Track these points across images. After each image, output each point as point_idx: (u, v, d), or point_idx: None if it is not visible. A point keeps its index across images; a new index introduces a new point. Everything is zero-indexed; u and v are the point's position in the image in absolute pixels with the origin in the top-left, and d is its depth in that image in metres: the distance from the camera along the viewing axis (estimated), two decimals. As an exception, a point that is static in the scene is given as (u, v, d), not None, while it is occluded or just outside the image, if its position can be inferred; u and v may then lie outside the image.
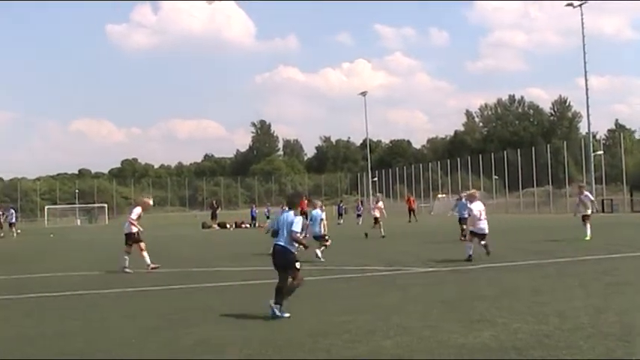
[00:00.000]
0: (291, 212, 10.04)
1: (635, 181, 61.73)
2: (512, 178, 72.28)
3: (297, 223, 9.76)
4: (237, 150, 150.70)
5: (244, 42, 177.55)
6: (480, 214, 18.02)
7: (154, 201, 21.72)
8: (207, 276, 16.16)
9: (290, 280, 9.82)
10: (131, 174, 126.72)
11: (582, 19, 58.04)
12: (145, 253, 17.56)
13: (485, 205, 19.31)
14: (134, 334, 8.81)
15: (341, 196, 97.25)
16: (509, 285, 12.53)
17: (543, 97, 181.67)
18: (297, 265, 9.85)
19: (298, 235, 9.83)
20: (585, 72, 58.55)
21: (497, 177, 76.19)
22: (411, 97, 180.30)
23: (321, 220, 20.45)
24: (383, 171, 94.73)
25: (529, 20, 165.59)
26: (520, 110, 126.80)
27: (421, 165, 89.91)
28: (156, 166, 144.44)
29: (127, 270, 16.98)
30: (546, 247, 20.44)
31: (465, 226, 23.22)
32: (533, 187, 68.19)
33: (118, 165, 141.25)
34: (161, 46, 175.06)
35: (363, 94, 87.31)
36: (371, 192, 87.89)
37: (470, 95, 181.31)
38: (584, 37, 58.24)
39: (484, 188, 78.64)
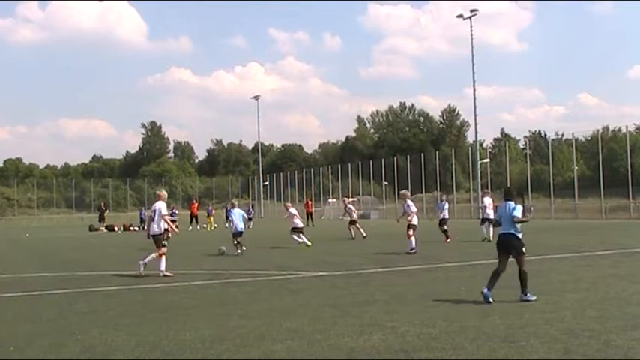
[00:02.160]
0: (512, 202, 11.15)
1: (517, 188, 63.79)
2: (401, 184, 73.53)
3: (518, 210, 11.04)
4: (127, 151, 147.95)
5: (136, 42, 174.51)
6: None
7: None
8: (93, 280, 15.80)
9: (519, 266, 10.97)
10: (14, 174, 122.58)
11: (472, 31, 59.70)
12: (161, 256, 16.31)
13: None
14: (14, 341, 8.48)
15: (231, 200, 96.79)
16: (399, 289, 12.72)
17: (433, 105, 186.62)
18: (524, 249, 11.12)
19: (519, 218, 11.04)
20: (474, 81, 60.14)
21: (387, 183, 77.41)
22: (304, 101, 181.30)
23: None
24: (274, 175, 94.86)
25: (420, 28, 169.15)
26: (411, 117, 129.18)
27: (312, 169, 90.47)
28: (41, 167, 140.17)
29: (167, 273, 15.91)
30: (435, 252, 20.87)
31: (445, 227, 26.06)
32: (422, 193, 69.58)
33: (0, 165, 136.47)
34: (49, 42, 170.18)
35: (256, 97, 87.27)
36: (262, 196, 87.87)
37: (362, 101, 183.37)
38: (473, 48, 59.87)
39: (374, 194, 79.82)
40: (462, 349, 7.24)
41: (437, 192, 70.18)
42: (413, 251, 20.58)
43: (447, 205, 27.46)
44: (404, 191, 24.12)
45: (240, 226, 22.70)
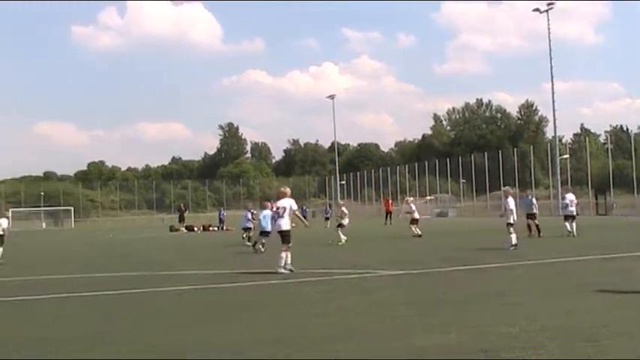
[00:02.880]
0: None
1: (599, 184, 62.43)
2: (479, 182, 72.77)
3: None
4: (205, 153, 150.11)
5: (211, 45, 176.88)
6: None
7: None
8: (170, 279, 15.99)
9: None
10: (97, 177, 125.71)
11: (549, 24, 58.51)
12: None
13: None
14: (81, 340, 8.53)
15: (308, 199, 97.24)
16: (477, 287, 12.46)
17: (509, 101, 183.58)
18: None
19: None
20: (552, 76, 59.04)
21: (464, 180, 76.64)
22: (379, 100, 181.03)
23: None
24: (351, 174, 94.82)
25: (495, 24, 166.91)
26: (487, 114, 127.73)
27: (389, 168, 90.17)
28: (123, 169, 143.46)
29: (286, 269, 15.80)
30: (514, 250, 20.44)
31: (536, 221, 26.31)
32: (500, 190, 68.58)
33: (84, 168, 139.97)
34: (127, 48, 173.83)
35: (331, 97, 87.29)
36: (339, 195, 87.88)
37: (437, 99, 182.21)
38: (550, 42, 58.73)
39: (451, 191, 79.14)
40: (543, 349, 6.97)
41: (515, 189, 69.07)
42: (512, 248, 20.18)
43: (534, 200, 27.42)
44: (506, 187, 24.31)
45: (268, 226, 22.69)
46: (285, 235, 16.13)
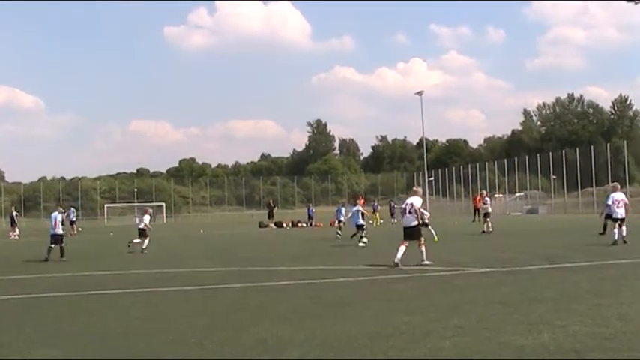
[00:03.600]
0: None
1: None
2: (570, 178, 71.25)
3: None
4: (294, 150, 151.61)
5: (300, 42, 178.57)
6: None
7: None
8: (264, 275, 16.28)
9: None
10: (189, 173, 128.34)
11: (644, 15, 56.90)
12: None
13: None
14: (193, 333, 8.89)
15: (397, 195, 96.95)
16: (569, 286, 12.37)
17: (603, 96, 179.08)
18: None
19: None
20: (647, 69, 57.42)
21: (555, 177, 75.18)
22: (468, 96, 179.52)
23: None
24: (439, 170, 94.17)
25: (588, 16, 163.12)
26: (579, 109, 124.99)
27: (478, 165, 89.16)
28: (213, 166, 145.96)
29: (428, 262, 16.70)
30: (607, 248, 20.11)
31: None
32: (592, 187, 67.11)
33: (176, 165, 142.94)
34: (218, 47, 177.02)
35: (420, 93, 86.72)
36: (427, 192, 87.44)
37: (527, 94, 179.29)
38: (645, 34, 57.10)
39: (542, 188, 77.77)
40: (638, 351, 6.96)
41: (608, 185, 67.43)
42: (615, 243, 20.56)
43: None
44: (614, 183, 23.91)
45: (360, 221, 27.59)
46: (414, 231, 16.94)
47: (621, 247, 20.44)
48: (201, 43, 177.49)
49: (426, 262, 16.52)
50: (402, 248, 16.64)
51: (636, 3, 56.95)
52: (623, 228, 21.52)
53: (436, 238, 25.73)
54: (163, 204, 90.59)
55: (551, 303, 10.28)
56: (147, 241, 25.39)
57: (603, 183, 68.12)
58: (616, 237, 21.26)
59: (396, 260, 16.34)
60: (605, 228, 24.57)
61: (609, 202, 22.73)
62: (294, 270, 17.16)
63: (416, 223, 16.93)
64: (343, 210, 31.55)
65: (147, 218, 26.23)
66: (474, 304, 10.41)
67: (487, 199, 34.60)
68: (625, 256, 17.67)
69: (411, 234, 16.88)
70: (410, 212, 16.97)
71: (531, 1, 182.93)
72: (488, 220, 31.74)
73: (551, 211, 67.95)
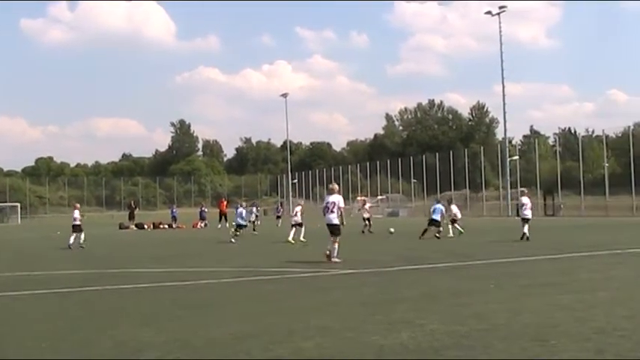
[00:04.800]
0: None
1: (547, 185, 63.53)
2: (430, 182, 73.40)
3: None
4: (157, 150, 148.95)
5: (165, 41, 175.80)
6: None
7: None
8: (122, 277, 15.91)
9: None
10: (46, 172, 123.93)
11: (500, 27, 59.40)
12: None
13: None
14: (46, 337, 8.54)
15: (260, 197, 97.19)
16: (429, 287, 12.68)
17: (462, 103, 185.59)
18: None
19: None
20: (502, 78, 60.19)
21: (415, 180, 77.30)
22: (332, 99, 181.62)
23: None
24: (303, 173, 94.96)
25: (448, 25, 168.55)
26: (439, 115, 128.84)
27: (341, 167, 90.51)
28: (72, 165, 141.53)
29: (337, 260, 17.34)
30: (464, 250, 20.80)
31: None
32: (450, 190, 69.32)
33: (32, 163, 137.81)
34: (78, 43, 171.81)
35: (284, 95, 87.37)
36: (291, 194, 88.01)
37: (390, 98, 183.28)
38: (502, 44, 59.83)
39: (403, 191, 79.78)
40: (492, 348, 7.18)
41: (466, 189, 69.82)
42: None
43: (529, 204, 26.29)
44: (522, 189, 25.74)
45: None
46: (336, 228, 17.71)
47: (477, 248, 21.15)
48: (60, 37, 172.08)
49: (336, 259, 17.28)
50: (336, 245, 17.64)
51: (492, 15, 59.25)
52: (526, 226, 24.36)
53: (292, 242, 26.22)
54: (18, 204, 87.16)
55: (412, 303, 10.50)
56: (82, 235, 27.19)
57: (461, 187, 70.63)
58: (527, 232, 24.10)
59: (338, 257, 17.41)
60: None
61: (524, 204, 25.89)
62: (152, 272, 16.85)
63: (337, 221, 17.83)
64: (244, 212, 31.92)
65: (76, 212, 28.07)
66: (336, 305, 10.50)
67: (367, 206, 36.49)
68: (482, 257, 18.32)
69: (333, 231, 17.74)
70: (333, 210, 17.80)
71: (394, 6, 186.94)
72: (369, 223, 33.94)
73: (412, 213, 69.66)
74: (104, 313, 10.54)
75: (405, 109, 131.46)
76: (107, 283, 14.65)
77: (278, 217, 49.84)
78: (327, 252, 17.49)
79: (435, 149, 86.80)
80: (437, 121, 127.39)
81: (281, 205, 59.83)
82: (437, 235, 26.70)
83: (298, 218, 27.54)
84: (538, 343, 7.37)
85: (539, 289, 11.01)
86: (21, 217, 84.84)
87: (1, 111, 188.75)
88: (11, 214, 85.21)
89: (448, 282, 13.31)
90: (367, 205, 36.46)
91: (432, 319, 8.93)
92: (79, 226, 27.26)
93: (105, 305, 11.41)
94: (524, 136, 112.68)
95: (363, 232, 32.76)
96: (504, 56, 60.20)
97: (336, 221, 17.74)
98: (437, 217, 27.62)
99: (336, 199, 17.93)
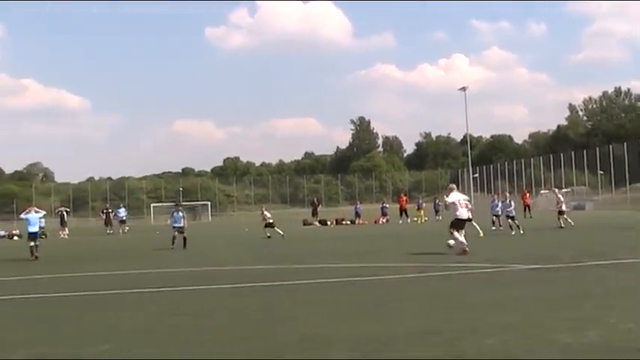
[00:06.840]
0: None
1: None
2: (618, 174, 70.25)
3: None
4: (337, 147, 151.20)
5: (341, 40, 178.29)
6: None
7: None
8: (310, 272, 16.30)
9: None
10: (233, 172, 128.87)
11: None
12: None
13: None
14: (239, 329, 8.96)
15: (440, 192, 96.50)
16: (617, 283, 12.25)
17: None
18: None
19: None
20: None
21: (602, 172, 74.18)
22: (511, 91, 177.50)
23: None
24: (484, 167, 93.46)
25: (631, 8, 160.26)
26: (627, 102, 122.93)
27: (523, 160, 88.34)
28: (257, 164, 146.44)
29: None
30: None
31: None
32: (641, 182, 66.10)
33: (220, 163, 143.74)
34: (258, 46, 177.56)
35: (463, 89, 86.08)
36: (472, 188, 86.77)
37: (572, 88, 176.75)
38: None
39: (589, 184, 76.81)
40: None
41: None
42: None
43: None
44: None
45: None
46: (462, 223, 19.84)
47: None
48: (241, 42, 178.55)
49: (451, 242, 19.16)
50: (462, 236, 19.38)
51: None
52: None
53: (481, 234, 25.78)
54: (209, 202, 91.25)
55: (601, 300, 10.18)
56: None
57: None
58: None
59: (465, 246, 18.86)
60: None
61: None
62: (339, 267, 17.12)
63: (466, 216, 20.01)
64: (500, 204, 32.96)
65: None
66: (519, 302, 10.37)
67: (560, 196, 33.54)
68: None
69: (464, 225, 20.00)
70: (467, 207, 20.00)
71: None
72: (565, 216, 31.88)
73: (599, 207, 67.03)
74: (293, 307, 10.88)
75: (590, 98, 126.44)
76: (293, 278, 15.07)
77: (437, 212, 50.77)
78: (466, 247, 18.81)
79: (623, 139, 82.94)
80: (624, 109, 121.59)
81: (436, 199, 59.02)
82: None
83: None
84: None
85: None
86: (211, 215, 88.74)
87: (192, 115, 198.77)
88: (202, 212, 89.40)
89: (636, 280, 12.76)
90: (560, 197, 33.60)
91: (624, 317, 8.60)
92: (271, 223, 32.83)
93: (294, 300, 11.76)
94: None
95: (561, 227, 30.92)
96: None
97: (465, 216, 19.86)
98: None
99: (464, 196, 20.49)
